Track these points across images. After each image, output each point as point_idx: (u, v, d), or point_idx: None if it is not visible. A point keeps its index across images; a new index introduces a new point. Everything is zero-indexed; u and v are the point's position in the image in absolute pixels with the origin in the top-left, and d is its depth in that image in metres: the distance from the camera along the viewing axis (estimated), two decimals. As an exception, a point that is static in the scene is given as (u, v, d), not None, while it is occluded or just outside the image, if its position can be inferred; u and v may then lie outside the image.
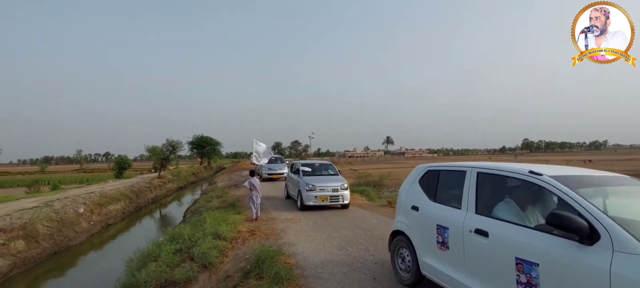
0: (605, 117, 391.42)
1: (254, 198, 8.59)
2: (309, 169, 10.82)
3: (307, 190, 9.49)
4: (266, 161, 20.96)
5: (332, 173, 11.27)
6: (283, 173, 19.85)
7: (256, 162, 21.04)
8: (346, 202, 9.68)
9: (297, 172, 10.88)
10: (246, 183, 8.81)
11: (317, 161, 12.67)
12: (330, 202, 9.53)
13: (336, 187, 9.64)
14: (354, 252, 5.68)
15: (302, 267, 5.01)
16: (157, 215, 19.62)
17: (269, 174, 20.02)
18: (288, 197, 12.04)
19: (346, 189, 9.77)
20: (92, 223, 14.02)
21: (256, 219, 8.55)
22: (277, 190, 15.14)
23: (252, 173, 9.36)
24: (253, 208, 8.63)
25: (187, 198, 24.80)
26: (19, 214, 11.19)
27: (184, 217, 14.97)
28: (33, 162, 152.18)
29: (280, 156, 26.29)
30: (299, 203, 9.88)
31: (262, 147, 21.22)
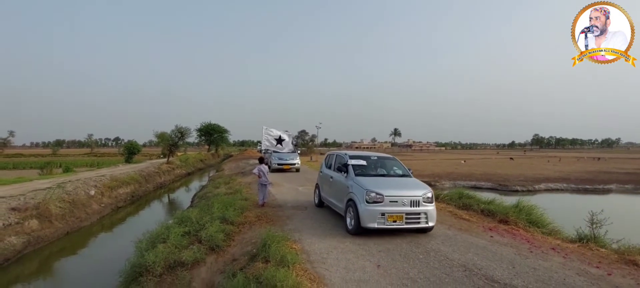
0: (618, 115, 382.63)
1: (263, 184, 8.73)
2: (364, 163, 6.98)
3: (368, 202, 5.73)
4: (289, 150, 20.61)
5: (401, 173, 7.14)
6: (295, 164, 19.04)
7: (268, 148, 21.02)
8: (431, 224, 5.92)
9: (342, 169, 6.96)
10: (255, 170, 8.93)
11: (373, 154, 7.74)
12: (407, 223, 5.74)
13: (416, 198, 5.83)
14: (359, 239, 5.73)
15: (308, 252, 5.09)
16: (165, 199, 19.98)
17: (279, 165, 18.16)
18: (320, 204, 8.46)
19: (431, 202, 5.97)
20: (102, 205, 14.35)
21: (263, 205, 8.67)
22: (288, 181, 14.91)
23: (261, 160, 9.47)
24: (261, 194, 8.78)
25: (195, 184, 25.17)
26: (32, 194, 11.49)
27: (191, 202, 15.23)
28: (45, 145, 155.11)
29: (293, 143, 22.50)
30: (350, 222, 6.09)
31: (285, 137, 20.92)
